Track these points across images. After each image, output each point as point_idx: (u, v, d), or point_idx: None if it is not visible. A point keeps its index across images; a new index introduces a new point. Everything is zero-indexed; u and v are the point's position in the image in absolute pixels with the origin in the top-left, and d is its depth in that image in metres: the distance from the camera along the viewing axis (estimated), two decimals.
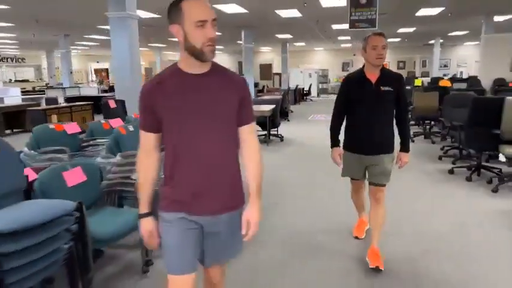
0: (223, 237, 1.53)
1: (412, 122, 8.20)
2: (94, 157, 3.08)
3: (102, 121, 3.74)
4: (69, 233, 1.94)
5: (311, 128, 9.47)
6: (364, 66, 2.65)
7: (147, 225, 1.51)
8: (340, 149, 2.79)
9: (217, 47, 15.84)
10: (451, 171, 5.03)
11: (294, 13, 9.51)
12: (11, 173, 1.96)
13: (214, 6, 8.31)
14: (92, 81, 23.64)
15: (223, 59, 24.31)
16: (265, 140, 7.46)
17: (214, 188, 1.44)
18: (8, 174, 1.95)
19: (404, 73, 19.97)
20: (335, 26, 12.38)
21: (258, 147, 1.55)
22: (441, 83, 9.90)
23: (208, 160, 1.41)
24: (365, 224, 3.19)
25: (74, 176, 2.40)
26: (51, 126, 3.23)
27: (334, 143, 2.81)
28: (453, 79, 12.67)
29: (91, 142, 3.47)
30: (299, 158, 6.34)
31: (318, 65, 22.24)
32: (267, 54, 23.92)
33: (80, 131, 3.48)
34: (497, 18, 10.95)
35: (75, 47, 18.17)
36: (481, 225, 3.39)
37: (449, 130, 6.08)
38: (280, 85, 20.54)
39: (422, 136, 7.57)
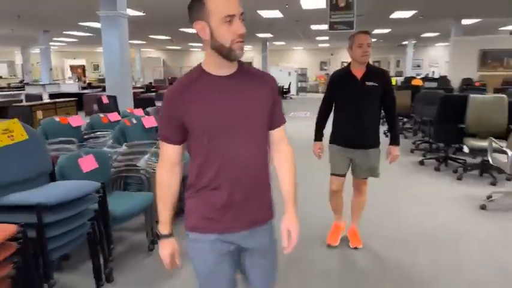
0: (262, 254, 1.40)
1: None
2: (98, 148, 3.32)
3: (101, 115, 3.97)
4: (91, 210, 2.21)
5: (293, 124, 9.86)
6: (350, 63, 2.73)
7: (168, 248, 1.35)
8: (321, 143, 2.86)
9: (194, 45, 16.24)
10: (421, 163, 5.51)
11: (275, 14, 9.86)
12: (39, 158, 2.21)
13: None
14: (69, 77, 23.29)
15: (201, 57, 24.46)
16: None
17: (250, 198, 1.31)
18: (38, 158, 2.19)
19: None
20: (314, 27, 12.81)
21: (292, 151, 1.43)
22: (414, 82, 10.47)
23: (243, 169, 1.28)
24: (341, 230, 3.10)
25: (88, 163, 2.65)
26: (57, 119, 3.44)
27: (317, 137, 2.88)
28: (425, 78, 13.33)
29: (92, 134, 3.70)
30: None
31: (297, 64, 22.72)
32: (248, 52, 24.20)
33: (83, 123, 3.71)
34: (465, 22, 11.65)
35: (53, 43, 17.93)
36: (449, 208, 3.83)
37: (420, 126, 6.57)
38: None
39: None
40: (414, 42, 18.72)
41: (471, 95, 4.91)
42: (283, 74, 20.29)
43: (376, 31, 14.27)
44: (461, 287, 2.48)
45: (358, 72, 2.67)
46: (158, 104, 6.89)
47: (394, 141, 2.81)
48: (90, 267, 2.40)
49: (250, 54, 23.97)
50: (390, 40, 18.40)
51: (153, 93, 10.15)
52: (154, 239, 2.96)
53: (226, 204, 1.28)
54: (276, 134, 1.39)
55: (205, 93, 1.23)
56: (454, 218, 3.60)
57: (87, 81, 20.34)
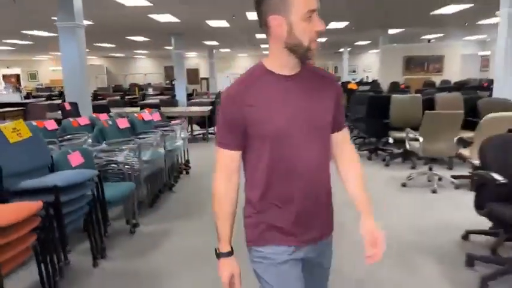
0: (321, 265, 1.32)
1: None
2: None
3: (71, 119, 4.30)
4: (90, 195, 2.64)
5: None
6: None
7: (228, 269, 1.22)
8: None
9: (141, 51, 16.43)
10: (369, 158, 6.42)
11: (223, 23, 10.47)
12: (42, 152, 2.60)
13: (148, 15, 8.91)
14: (4, 87, 22.02)
15: (147, 64, 24.43)
16: (204, 138, 8.30)
17: (319, 210, 1.24)
18: (40, 152, 2.58)
19: None
20: (259, 36, 13.62)
21: (357, 154, 1.36)
22: (349, 86, 11.62)
23: (310, 176, 1.18)
24: None
25: (75, 158, 3.05)
26: (34, 123, 3.74)
27: None
28: (360, 83, 14.70)
29: (66, 137, 4.04)
30: None
31: (243, 70, 23.33)
32: (193, 59, 24.57)
33: (57, 127, 4.03)
34: (392, 31, 13.11)
35: None
36: (378, 188, 4.67)
37: (354, 123, 7.52)
38: (208, 89, 21.39)
39: None
40: (349, 49, 20.32)
41: (393, 95, 5.88)
42: (230, 80, 21.01)
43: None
44: (392, 244, 3.24)
45: None
46: (114, 110, 7.20)
47: None
48: (84, 248, 2.82)
49: (196, 60, 24.37)
50: (327, 48, 19.82)
51: (105, 101, 10.29)
52: (137, 223, 3.42)
53: (295, 218, 1.18)
54: (339, 136, 1.30)
55: (268, 93, 1.13)
56: (383, 194, 4.43)
57: (26, 91, 19.47)
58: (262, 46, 17.85)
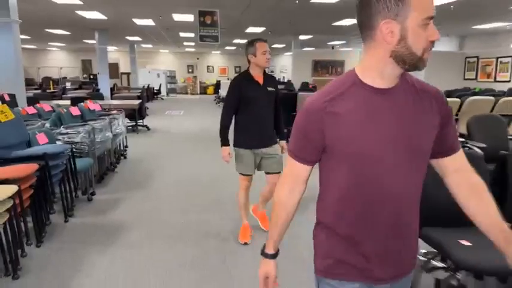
0: None
1: None
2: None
3: (20, 108, 4.79)
4: (63, 164, 3.38)
5: (170, 120, 11.32)
6: (249, 69, 2.91)
7: (268, 269, 1.21)
8: (229, 148, 2.98)
9: (57, 44, 16.32)
10: None
11: (149, 22, 11.05)
12: (22, 130, 3.25)
13: (77, 12, 9.19)
14: None
15: (62, 57, 23.42)
16: (134, 130, 8.90)
17: (401, 245, 1.09)
18: (21, 131, 3.23)
19: None
20: (182, 34, 14.35)
21: (482, 181, 1.12)
22: None
23: (396, 209, 1.04)
24: (249, 228, 3.24)
25: (42, 138, 3.72)
26: None
27: (225, 142, 2.97)
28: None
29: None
30: (170, 140, 8.13)
31: (164, 65, 23.80)
32: (113, 53, 24.16)
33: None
34: (302, 37, 14.83)
35: None
36: None
37: None
38: (128, 84, 21.37)
39: None
40: None
41: (299, 93, 7.25)
42: (152, 75, 21.26)
43: (236, 41, 16.62)
44: None
45: (259, 78, 2.88)
46: (43, 102, 7.50)
47: (284, 137, 3.14)
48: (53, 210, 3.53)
49: (115, 55, 24.02)
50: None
51: (31, 93, 10.22)
52: (93, 192, 4.16)
53: (372, 252, 1.06)
54: (453, 162, 1.12)
55: (357, 108, 1.00)
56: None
57: None
58: (185, 44, 18.52)
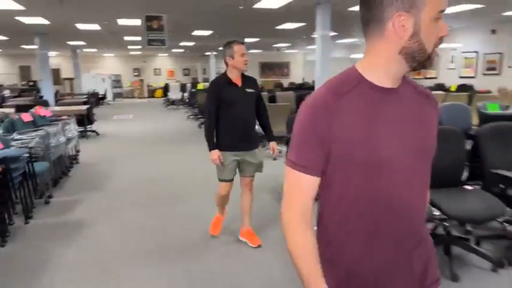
0: None
1: (199, 115, 11.18)
2: None
3: None
4: (22, 167, 3.51)
5: (120, 125, 11.27)
6: (226, 72, 2.87)
7: None
8: (218, 151, 2.88)
9: None
10: None
11: (93, 27, 10.93)
12: None
13: (16, 18, 8.92)
14: None
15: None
16: (83, 135, 8.83)
17: (418, 258, 0.98)
18: None
19: (189, 79, 23.49)
20: (127, 38, 14.24)
21: None
22: None
23: (411, 220, 0.95)
24: (222, 220, 3.31)
25: None
26: None
27: (213, 145, 2.88)
28: None
29: None
30: (122, 144, 8.21)
31: (109, 70, 23.23)
32: (54, 58, 23.13)
33: None
34: (248, 40, 15.32)
35: None
36: None
37: None
38: (72, 90, 20.62)
39: None
40: (215, 53, 22.23)
41: None
42: (96, 80, 20.70)
43: (183, 43, 16.75)
44: None
45: (237, 80, 2.85)
46: None
47: (274, 138, 3.11)
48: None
49: (56, 60, 23.06)
50: (196, 51, 21.35)
51: None
52: (49, 198, 4.27)
53: (387, 267, 0.94)
54: None
55: (364, 108, 0.90)
56: None
57: None
58: (130, 47, 18.29)
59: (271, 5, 8.07)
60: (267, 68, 14.90)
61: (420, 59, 0.90)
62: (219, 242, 3.23)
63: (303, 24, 11.00)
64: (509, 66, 11.59)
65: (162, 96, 20.98)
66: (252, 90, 2.91)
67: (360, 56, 12.89)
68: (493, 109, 4.82)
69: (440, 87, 10.87)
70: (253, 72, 14.89)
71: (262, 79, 14.83)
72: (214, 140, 2.91)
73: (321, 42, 8.12)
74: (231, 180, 3.00)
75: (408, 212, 0.95)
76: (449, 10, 9.17)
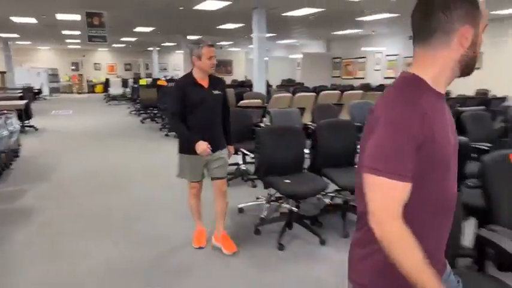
0: None
1: (142, 110, 11.39)
2: None
3: None
4: None
5: (60, 120, 11.17)
6: (192, 72, 2.79)
7: None
8: (203, 142, 2.74)
9: None
10: (167, 135, 8.40)
11: (30, 20, 10.67)
12: None
13: None
14: None
15: None
16: (22, 130, 8.71)
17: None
18: None
19: (131, 74, 23.16)
20: (65, 32, 13.92)
21: None
22: (159, 82, 13.53)
23: (452, 214, 1.05)
24: (203, 232, 3.16)
25: None
26: None
27: (193, 136, 2.76)
28: (169, 80, 16.81)
29: None
30: (63, 139, 8.28)
31: (45, 63, 22.17)
32: None
33: None
34: (191, 37, 15.65)
35: None
36: None
37: (164, 112, 9.52)
38: (3, 84, 19.46)
39: (149, 119, 10.82)
40: (158, 49, 22.15)
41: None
42: (31, 74, 19.71)
43: (124, 39, 16.65)
44: None
45: (204, 81, 2.78)
46: None
47: (231, 142, 3.09)
48: None
49: None
50: (138, 46, 21.15)
51: None
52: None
53: (442, 258, 1.04)
54: None
55: (434, 110, 0.95)
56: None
57: None
58: (68, 41, 17.73)
59: (210, 7, 8.58)
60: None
61: (472, 66, 0.99)
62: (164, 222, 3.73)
63: (243, 25, 11.62)
64: None
65: (103, 92, 20.53)
66: (219, 92, 2.86)
67: (297, 55, 13.76)
68: None
69: (366, 86, 12.06)
70: None
71: None
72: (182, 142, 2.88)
73: (257, 43, 8.80)
74: (198, 182, 2.98)
75: (453, 211, 1.05)
76: (372, 17, 10.31)
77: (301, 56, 17.26)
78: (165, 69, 25.53)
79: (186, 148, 2.82)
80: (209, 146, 2.76)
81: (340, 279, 2.60)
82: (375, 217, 0.93)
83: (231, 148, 3.11)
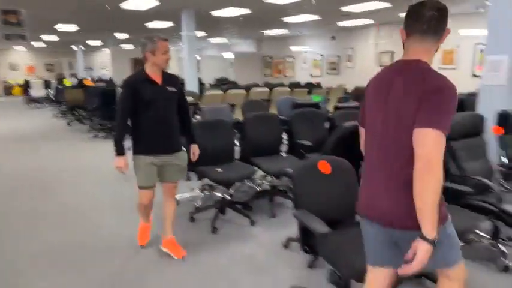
0: None
1: (68, 113, 10.87)
2: None
3: None
4: None
5: None
6: (144, 68, 2.63)
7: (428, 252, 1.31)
8: (126, 158, 2.63)
9: None
10: (96, 136, 8.18)
11: None
12: None
13: None
14: None
15: None
16: None
17: None
18: None
19: (53, 75, 21.73)
20: None
21: None
22: (85, 82, 12.99)
23: None
24: (149, 228, 3.08)
25: None
26: None
27: (121, 150, 2.60)
28: (97, 80, 16.14)
29: None
30: None
31: None
32: None
33: None
34: (118, 36, 15.19)
35: None
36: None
37: (92, 112, 9.23)
38: None
39: (77, 121, 10.38)
40: (83, 48, 21.04)
41: (118, 89, 8.00)
42: None
43: (45, 37, 15.63)
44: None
45: (157, 78, 2.63)
46: None
47: (195, 141, 2.94)
48: None
49: None
50: (60, 45, 19.89)
51: None
52: None
53: None
54: None
55: None
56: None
57: None
58: None
59: (138, 7, 8.51)
60: (140, 64, 14.95)
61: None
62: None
63: (172, 23, 11.62)
64: (346, 67, 14.21)
65: (23, 94, 19.01)
66: (174, 89, 2.70)
67: (230, 54, 14.00)
68: (316, 99, 6.34)
69: (295, 84, 12.73)
70: (125, 69, 14.85)
71: None
72: (127, 144, 2.65)
73: (187, 42, 8.93)
74: (152, 187, 2.74)
75: None
76: (297, 19, 10.94)
77: (233, 54, 17.62)
78: (91, 68, 24.39)
79: (141, 149, 2.66)
80: (127, 164, 2.63)
81: (267, 252, 2.94)
82: (427, 158, 1.27)
83: (195, 148, 2.94)
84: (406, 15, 1.45)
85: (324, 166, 2.25)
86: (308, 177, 2.24)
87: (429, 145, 1.27)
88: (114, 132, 2.69)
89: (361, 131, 1.66)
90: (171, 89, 2.68)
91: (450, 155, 2.85)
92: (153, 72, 2.63)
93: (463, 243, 2.92)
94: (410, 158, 1.32)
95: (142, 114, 2.61)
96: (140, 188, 2.73)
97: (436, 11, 1.38)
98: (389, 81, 1.44)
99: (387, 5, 8.71)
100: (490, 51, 3.37)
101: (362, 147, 1.67)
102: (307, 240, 2.11)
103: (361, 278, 1.67)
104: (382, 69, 1.54)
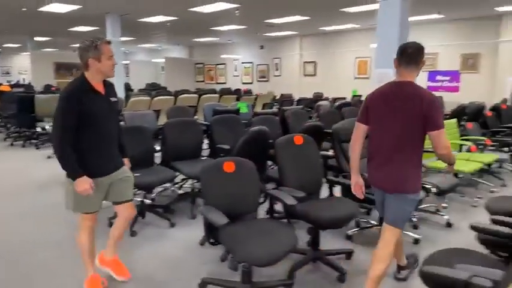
0: None
1: None
2: None
3: None
4: None
5: None
6: (85, 76, 2.24)
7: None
8: (87, 178, 2.22)
9: None
10: (11, 145, 7.71)
11: None
12: None
13: None
14: None
15: None
16: None
17: None
18: None
19: None
20: None
21: None
22: (2, 88, 12.06)
23: None
24: (99, 278, 2.54)
25: None
26: None
27: (78, 171, 2.20)
28: (14, 85, 15.01)
29: None
30: None
31: None
32: None
33: None
34: (39, 39, 14.34)
35: None
36: (38, 166, 6.36)
37: (7, 119, 8.67)
38: None
39: None
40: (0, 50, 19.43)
41: (36, 95, 7.63)
42: None
43: None
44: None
45: (99, 86, 2.28)
46: None
47: (127, 154, 2.64)
48: None
49: None
50: None
51: None
52: None
53: None
54: None
55: None
56: (37, 172, 6.21)
57: None
58: None
59: (57, 9, 8.22)
60: (63, 68, 14.30)
61: None
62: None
63: (97, 28, 11.31)
64: (274, 75, 14.85)
65: None
66: (115, 99, 2.41)
67: (161, 60, 13.91)
68: (242, 107, 6.65)
69: (226, 90, 13.01)
70: (48, 73, 14.03)
71: (58, 80, 14.13)
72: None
73: (112, 46, 8.76)
74: (95, 212, 2.41)
75: None
76: (224, 28, 11.27)
77: (164, 60, 17.46)
78: (8, 73, 22.56)
79: (88, 171, 2.23)
80: (92, 185, 2.23)
81: (183, 250, 3.12)
82: (446, 146, 2.07)
83: (127, 162, 2.61)
84: (397, 52, 2.16)
85: (229, 166, 2.53)
86: (214, 177, 2.49)
87: (443, 139, 2.06)
88: (57, 155, 2.20)
89: (360, 126, 2.29)
90: (113, 99, 2.39)
91: (343, 155, 3.29)
92: (95, 81, 2.25)
93: (356, 228, 3.40)
94: (417, 143, 2.13)
95: (87, 130, 2.23)
96: (84, 213, 2.38)
97: (415, 50, 2.12)
98: (395, 94, 2.14)
99: (306, 17, 9.38)
100: (378, 65, 3.92)
101: (354, 139, 2.33)
102: (212, 232, 2.34)
103: (254, 262, 1.92)
104: (385, 85, 2.23)
